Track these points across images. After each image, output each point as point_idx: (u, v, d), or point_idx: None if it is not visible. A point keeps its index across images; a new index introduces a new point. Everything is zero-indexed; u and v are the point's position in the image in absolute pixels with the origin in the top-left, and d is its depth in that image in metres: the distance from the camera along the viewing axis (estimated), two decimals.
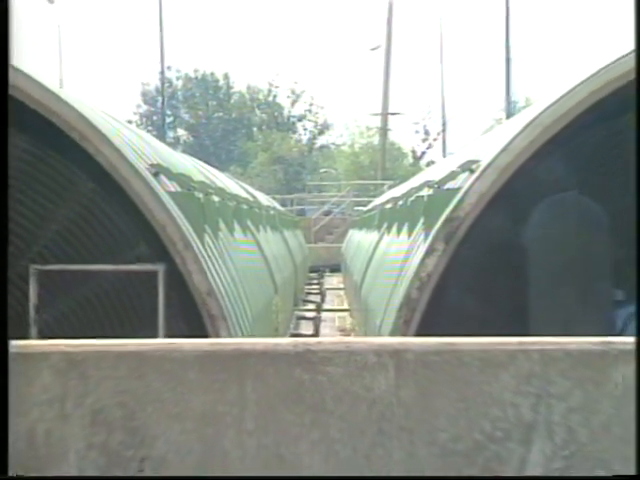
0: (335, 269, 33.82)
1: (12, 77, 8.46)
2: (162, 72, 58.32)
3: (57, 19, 71.79)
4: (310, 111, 76.09)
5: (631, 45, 8.42)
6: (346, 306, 24.37)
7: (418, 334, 8.42)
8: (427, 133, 65.59)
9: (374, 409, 5.19)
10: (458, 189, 9.14)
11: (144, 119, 72.01)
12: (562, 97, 8.66)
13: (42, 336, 8.50)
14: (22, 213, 8.94)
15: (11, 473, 5.24)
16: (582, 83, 8.58)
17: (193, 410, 5.21)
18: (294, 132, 75.04)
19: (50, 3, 53.29)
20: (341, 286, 29.22)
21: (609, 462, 5.11)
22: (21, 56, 8.69)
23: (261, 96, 76.82)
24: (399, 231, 13.82)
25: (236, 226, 13.93)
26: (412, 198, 13.41)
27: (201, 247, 9.27)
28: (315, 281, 31.74)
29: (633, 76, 8.42)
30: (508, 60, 40.05)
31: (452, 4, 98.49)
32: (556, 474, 5.11)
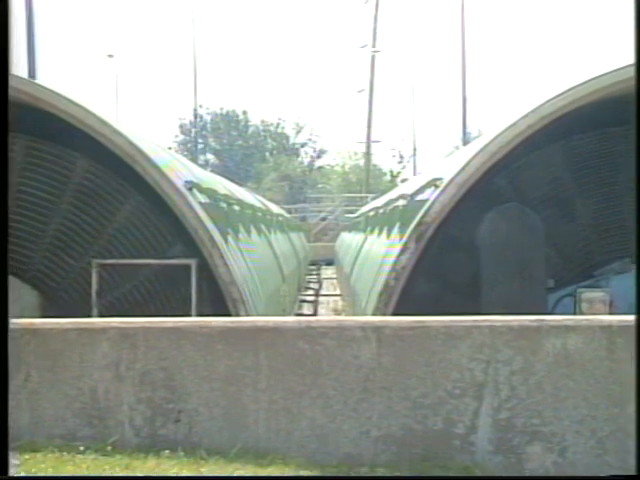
0: (330, 263, 33.68)
1: (82, 115, 8.45)
2: (195, 109, 58.30)
3: (115, 69, 71.55)
4: (310, 139, 75.85)
5: (583, 77, 8.46)
6: (338, 292, 24.27)
7: (395, 314, 8.41)
8: (401, 156, 65.28)
9: (360, 372, 5.19)
10: (426, 200, 9.14)
11: (180, 146, 71.70)
12: (505, 130, 8.69)
13: (101, 315, 8.50)
14: (85, 220, 8.96)
15: (79, 420, 5.23)
16: (521, 119, 8.60)
17: (219, 373, 5.21)
18: (298, 156, 74.77)
19: (110, 57, 53.23)
20: (334, 276, 29.10)
21: (542, 412, 5.12)
22: (89, 98, 8.69)
23: (272, 128, 76.57)
24: (380, 233, 13.80)
25: (252, 229, 13.89)
26: (390, 207, 13.41)
27: (225, 246, 9.25)
28: (314, 272, 31.62)
29: (559, 114, 8.46)
30: (464, 100, 40.14)
31: (423, 56, 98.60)
32: (502, 423, 5.12)
